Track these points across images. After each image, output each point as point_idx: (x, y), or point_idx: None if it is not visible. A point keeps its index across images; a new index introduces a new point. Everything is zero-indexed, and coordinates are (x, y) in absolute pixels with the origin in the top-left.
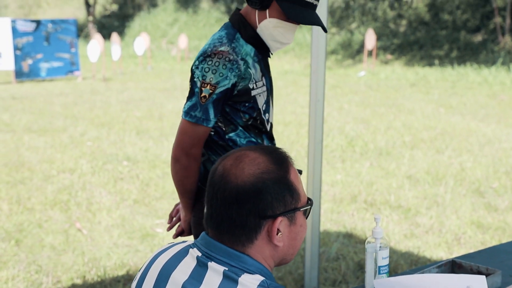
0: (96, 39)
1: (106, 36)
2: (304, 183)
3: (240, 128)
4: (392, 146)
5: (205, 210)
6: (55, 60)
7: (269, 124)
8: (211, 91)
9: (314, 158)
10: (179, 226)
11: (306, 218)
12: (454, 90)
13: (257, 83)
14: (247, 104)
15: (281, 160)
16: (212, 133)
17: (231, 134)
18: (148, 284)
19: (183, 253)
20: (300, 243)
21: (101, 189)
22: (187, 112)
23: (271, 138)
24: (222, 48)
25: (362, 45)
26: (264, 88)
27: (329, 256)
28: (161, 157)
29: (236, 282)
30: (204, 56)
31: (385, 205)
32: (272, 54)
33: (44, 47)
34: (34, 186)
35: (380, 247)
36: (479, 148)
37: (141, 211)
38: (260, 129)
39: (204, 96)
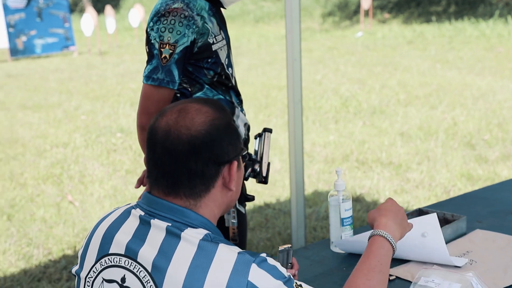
0: (89, 12)
1: (101, 10)
2: (286, 144)
3: (206, 86)
4: (386, 105)
5: (147, 172)
6: (49, 36)
7: (233, 78)
8: (171, 51)
9: (294, 118)
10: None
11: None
12: (451, 46)
13: (216, 37)
14: (209, 60)
15: (221, 107)
16: (178, 95)
17: (198, 94)
18: (93, 250)
19: (125, 215)
20: (240, 188)
21: (94, 161)
22: (148, 76)
23: (238, 94)
24: (176, 5)
25: (358, 6)
26: (224, 42)
27: (319, 216)
28: None
29: (179, 237)
30: (158, 16)
31: (377, 163)
32: (225, 8)
33: (37, 23)
34: (27, 161)
35: (342, 199)
36: (472, 101)
37: (133, 181)
38: (227, 85)
39: (165, 57)
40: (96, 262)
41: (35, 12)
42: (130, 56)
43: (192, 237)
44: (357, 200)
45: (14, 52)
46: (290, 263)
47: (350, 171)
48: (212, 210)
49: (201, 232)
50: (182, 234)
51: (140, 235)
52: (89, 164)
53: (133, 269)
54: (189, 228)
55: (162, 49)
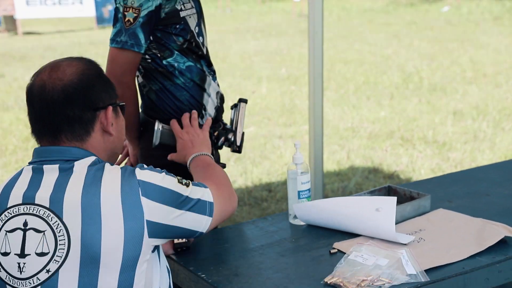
0: None
1: None
2: (306, 121)
3: (177, 52)
4: (449, 82)
5: (30, 128)
6: None
7: (205, 47)
8: (135, 15)
9: (314, 94)
10: (127, 161)
11: (123, 114)
12: None
13: (185, 5)
14: (178, 26)
15: (91, 61)
16: (149, 61)
17: (169, 59)
18: None
19: (18, 173)
20: (123, 137)
21: None
22: (113, 39)
23: (209, 64)
24: None
25: None
26: (194, 10)
27: (346, 190)
28: None
29: (71, 170)
30: None
31: (421, 141)
32: None
33: None
34: None
35: (301, 172)
36: None
37: None
38: (197, 53)
39: (128, 21)
40: None
41: None
42: (210, 27)
43: (82, 166)
44: (390, 177)
45: (100, 20)
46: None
47: (392, 148)
48: (98, 152)
49: (90, 159)
50: (74, 167)
51: (35, 182)
52: None
53: (33, 211)
54: (78, 161)
55: (126, 13)
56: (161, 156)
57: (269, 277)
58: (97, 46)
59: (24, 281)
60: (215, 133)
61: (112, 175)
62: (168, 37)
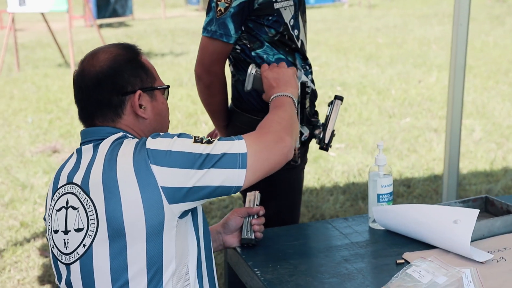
0: None
1: None
2: (468, 115)
3: (267, 44)
4: None
5: (78, 113)
6: None
7: (300, 41)
8: (227, 5)
9: (454, 79)
10: None
11: (167, 99)
12: None
13: None
14: (270, 18)
15: (129, 47)
16: (239, 51)
17: (258, 51)
18: (49, 192)
19: (70, 156)
20: (166, 119)
21: None
22: (204, 28)
23: (304, 58)
24: None
25: None
26: (291, 2)
27: (489, 193)
28: (375, 84)
29: (98, 146)
30: None
31: None
32: None
33: None
34: None
35: (383, 175)
36: None
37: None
38: (290, 46)
39: (220, 10)
40: (51, 201)
41: None
42: (397, 10)
43: (107, 142)
44: None
45: None
46: (257, 205)
47: None
48: (135, 132)
49: (117, 135)
50: (100, 145)
51: (77, 162)
52: None
53: (71, 190)
54: (109, 137)
55: (219, 2)
56: None
57: (322, 281)
58: None
59: (68, 256)
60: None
61: (127, 148)
62: (260, 28)
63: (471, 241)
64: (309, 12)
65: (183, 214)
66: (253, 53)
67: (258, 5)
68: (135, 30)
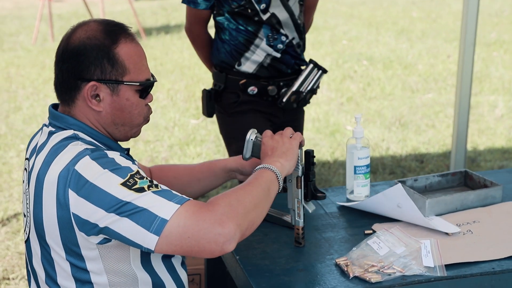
0: None
1: None
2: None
3: (227, 14)
4: None
5: None
6: None
7: (269, 13)
8: None
9: (464, 52)
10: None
11: (143, 97)
12: None
13: None
14: None
15: (113, 33)
16: (213, 16)
17: (219, 18)
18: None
19: (39, 130)
20: (131, 118)
21: (323, 85)
22: None
23: (275, 30)
24: None
25: None
26: None
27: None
28: (402, 58)
29: (51, 136)
30: None
31: None
32: None
33: None
34: None
35: (361, 147)
36: None
37: (345, 109)
38: (252, 18)
39: None
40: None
41: None
42: None
43: (57, 137)
44: None
45: None
46: None
47: None
48: (87, 120)
49: (68, 133)
50: (52, 136)
51: (36, 142)
52: None
53: (26, 167)
54: (61, 131)
55: None
56: None
57: (288, 249)
58: None
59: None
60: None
61: (64, 157)
62: (225, 0)
63: (444, 214)
64: None
65: (105, 241)
66: (217, 18)
67: None
68: (171, 2)
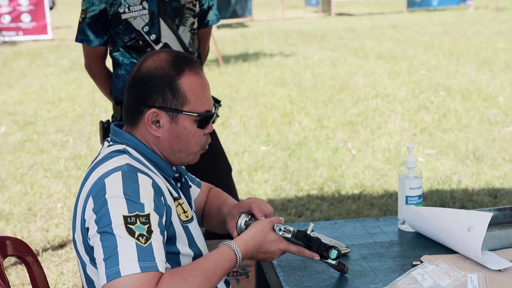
0: None
1: None
2: None
3: (122, 49)
4: None
5: None
6: None
7: (161, 43)
8: (84, 16)
9: None
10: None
11: (202, 127)
12: None
13: (130, 8)
14: (120, 27)
15: (178, 65)
16: (108, 52)
17: (115, 54)
18: None
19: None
20: (187, 146)
21: (396, 115)
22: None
23: None
24: None
25: None
26: (145, 12)
27: None
28: (482, 90)
29: (104, 148)
30: None
31: None
32: None
33: None
34: (340, 105)
35: (413, 177)
36: None
37: (417, 140)
38: (143, 51)
39: (79, 21)
40: None
41: None
42: None
43: (107, 149)
44: None
45: (411, 4)
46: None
47: None
48: (146, 140)
49: (119, 147)
50: (106, 148)
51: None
52: (391, 117)
53: None
54: (115, 145)
55: (81, 13)
56: None
57: (333, 276)
58: (395, 29)
59: None
60: None
61: (103, 169)
62: (116, 35)
63: (498, 249)
64: (430, 15)
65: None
66: (113, 55)
67: (111, 16)
68: (251, 31)
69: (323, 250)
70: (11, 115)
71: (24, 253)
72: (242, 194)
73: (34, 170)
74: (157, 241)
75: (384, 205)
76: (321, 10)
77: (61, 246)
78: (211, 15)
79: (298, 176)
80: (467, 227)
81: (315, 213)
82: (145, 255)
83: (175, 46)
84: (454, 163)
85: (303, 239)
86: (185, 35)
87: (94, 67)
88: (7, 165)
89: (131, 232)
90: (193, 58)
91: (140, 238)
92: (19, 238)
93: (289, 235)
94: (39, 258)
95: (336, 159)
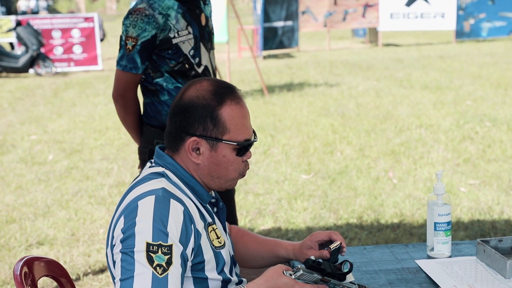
0: None
1: None
2: None
3: (167, 74)
4: None
5: None
6: (498, 20)
7: (203, 66)
8: (133, 43)
9: None
10: None
11: (241, 155)
12: None
13: (179, 32)
14: (170, 51)
15: (220, 95)
16: (143, 79)
17: (158, 79)
18: None
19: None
20: (226, 173)
21: (440, 145)
22: (118, 62)
23: None
24: (140, 6)
25: None
26: (191, 36)
27: None
28: None
29: (145, 169)
30: (128, 14)
31: None
32: (206, 3)
33: (488, 6)
34: (382, 135)
35: (442, 204)
36: None
37: (460, 170)
38: (188, 74)
39: (129, 48)
40: None
41: None
42: None
43: (147, 170)
44: None
45: (460, 34)
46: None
47: None
48: (187, 166)
49: (159, 170)
50: (145, 168)
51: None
52: (434, 147)
53: None
54: (156, 167)
55: (127, 41)
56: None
57: None
58: (443, 60)
59: None
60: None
61: (139, 190)
62: (162, 60)
63: None
64: (479, 45)
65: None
66: (154, 81)
67: (159, 42)
68: (297, 61)
69: (336, 269)
70: (59, 143)
71: (59, 275)
72: (281, 222)
73: (79, 197)
74: (174, 274)
75: (423, 234)
76: (368, 41)
77: (102, 271)
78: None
79: (338, 205)
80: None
81: (353, 241)
82: (158, 286)
83: (210, 68)
84: (497, 194)
85: (313, 266)
86: (213, 58)
87: (130, 95)
88: (53, 192)
89: (150, 261)
90: (234, 87)
91: (157, 268)
92: (62, 262)
93: (300, 272)
94: (80, 282)
95: (377, 188)
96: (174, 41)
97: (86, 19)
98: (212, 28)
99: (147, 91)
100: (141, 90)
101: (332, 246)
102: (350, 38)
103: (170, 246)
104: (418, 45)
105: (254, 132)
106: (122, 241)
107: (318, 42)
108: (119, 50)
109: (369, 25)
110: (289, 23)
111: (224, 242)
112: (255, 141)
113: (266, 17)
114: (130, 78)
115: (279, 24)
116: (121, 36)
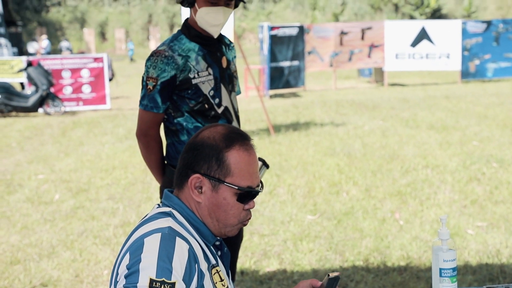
0: None
1: None
2: None
3: (187, 113)
4: None
5: None
6: (503, 61)
7: (223, 107)
8: (154, 83)
9: None
10: None
11: (242, 202)
12: None
13: (199, 73)
14: (190, 92)
15: (230, 139)
16: (165, 118)
17: (179, 119)
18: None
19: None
20: (225, 217)
21: (446, 186)
22: (140, 102)
23: (228, 121)
24: (161, 48)
25: None
26: (211, 77)
27: None
28: None
29: (153, 209)
30: (149, 56)
31: None
32: (230, 45)
33: (492, 48)
34: (389, 175)
35: (447, 249)
36: None
37: (467, 212)
38: (208, 114)
39: (149, 88)
40: None
41: (492, 36)
42: None
43: (154, 210)
44: None
45: (465, 74)
46: None
47: None
48: (190, 204)
49: (165, 210)
50: (154, 209)
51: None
52: (441, 187)
53: None
54: (162, 207)
55: (148, 82)
56: None
57: None
58: (449, 100)
59: None
60: None
61: (150, 226)
62: (182, 100)
63: None
64: (485, 86)
65: None
66: (175, 121)
67: (179, 82)
68: (303, 100)
69: None
70: (66, 182)
71: None
72: (286, 263)
73: (84, 237)
74: None
75: (431, 278)
76: (374, 81)
77: None
78: (238, 86)
79: (344, 247)
80: None
81: (359, 284)
82: None
83: (231, 109)
84: (506, 236)
85: None
86: (234, 100)
87: (153, 133)
88: (59, 232)
89: None
90: (247, 135)
91: None
92: None
93: None
94: None
95: (383, 230)
96: (194, 81)
97: (96, 59)
98: (235, 71)
99: (168, 131)
100: (164, 131)
101: (332, 274)
102: (356, 77)
103: (173, 284)
104: (424, 85)
105: (261, 183)
106: (126, 277)
107: (324, 81)
108: (141, 90)
109: (375, 65)
110: (296, 63)
111: (228, 286)
112: (260, 191)
113: (273, 57)
114: (151, 117)
115: (285, 64)
116: (143, 77)
